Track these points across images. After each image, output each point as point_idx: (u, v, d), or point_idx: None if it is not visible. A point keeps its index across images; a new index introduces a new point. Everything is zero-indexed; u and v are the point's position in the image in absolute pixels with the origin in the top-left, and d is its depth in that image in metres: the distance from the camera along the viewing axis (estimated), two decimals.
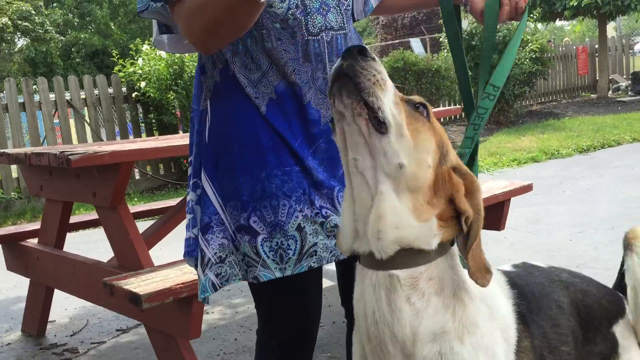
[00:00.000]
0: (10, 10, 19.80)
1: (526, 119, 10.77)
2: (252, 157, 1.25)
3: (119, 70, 7.38)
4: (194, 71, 6.67)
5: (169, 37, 1.35)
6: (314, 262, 1.26)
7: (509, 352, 1.00)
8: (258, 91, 1.27)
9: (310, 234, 1.25)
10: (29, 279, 2.96)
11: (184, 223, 2.97)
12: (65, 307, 3.31)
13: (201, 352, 2.55)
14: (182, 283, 1.81)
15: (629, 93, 12.65)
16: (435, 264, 0.94)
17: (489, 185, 3.10)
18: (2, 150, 2.47)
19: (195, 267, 1.32)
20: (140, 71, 7.04)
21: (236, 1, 1.08)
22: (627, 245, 1.31)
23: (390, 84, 0.92)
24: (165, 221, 2.75)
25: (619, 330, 1.25)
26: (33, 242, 2.87)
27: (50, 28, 21.56)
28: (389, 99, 0.90)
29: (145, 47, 7.47)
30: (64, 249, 2.77)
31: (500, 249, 3.70)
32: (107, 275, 2.20)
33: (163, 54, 6.92)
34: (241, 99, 1.28)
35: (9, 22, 19.27)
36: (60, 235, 2.69)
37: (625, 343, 1.25)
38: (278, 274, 1.24)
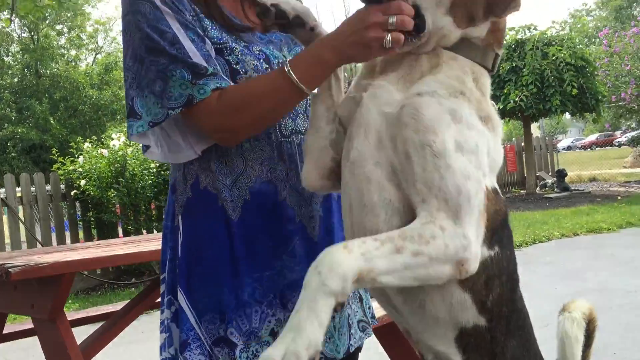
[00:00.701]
0: None
1: None
2: (225, 269, 1.27)
3: (58, 168, 7.30)
4: (135, 169, 6.70)
5: (164, 147, 1.31)
6: None
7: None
8: (233, 194, 1.29)
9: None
10: None
11: (126, 330, 2.89)
12: None
13: None
14: None
15: (555, 189, 13.35)
16: None
17: None
18: None
19: None
20: (80, 169, 6.98)
21: (289, 94, 1.15)
22: (562, 310, 1.40)
23: None
24: (107, 329, 2.68)
25: None
26: None
27: None
28: None
29: (87, 145, 7.46)
30: None
31: None
32: None
33: (105, 152, 6.92)
34: (213, 212, 1.30)
35: None
36: None
37: None
38: None
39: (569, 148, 40.65)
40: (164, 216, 1.41)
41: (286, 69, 1.14)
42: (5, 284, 2.09)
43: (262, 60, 1.29)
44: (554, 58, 11.87)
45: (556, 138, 45.82)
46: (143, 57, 1.21)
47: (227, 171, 1.29)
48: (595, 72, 12.67)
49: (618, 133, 37.69)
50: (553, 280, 5.59)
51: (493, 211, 1.10)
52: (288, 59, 1.18)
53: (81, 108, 27.02)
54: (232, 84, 1.22)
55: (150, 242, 2.63)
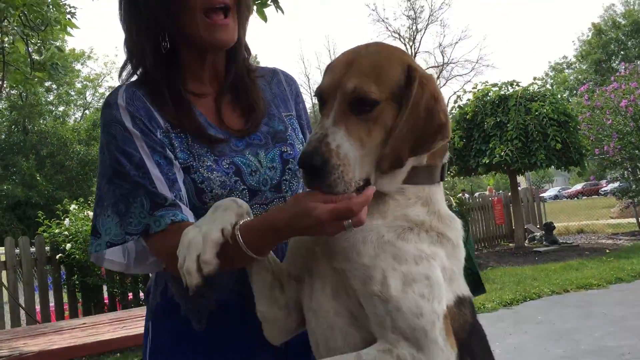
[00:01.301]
0: None
1: None
2: None
3: (44, 231, 7.22)
4: None
5: (131, 254, 1.28)
6: None
7: None
8: (199, 304, 1.29)
9: None
10: None
11: None
12: None
13: None
14: None
15: (544, 243, 13.37)
16: None
17: None
18: None
19: None
20: (66, 232, 6.91)
21: (237, 255, 1.11)
22: None
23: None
24: None
25: None
26: None
27: None
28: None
29: (73, 207, 7.42)
30: None
31: None
32: None
33: (91, 214, 6.86)
34: (179, 320, 1.30)
35: None
36: None
37: None
38: None
39: (556, 197, 41.01)
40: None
41: (237, 234, 1.10)
42: None
43: (231, 174, 1.30)
44: (537, 113, 12.09)
45: (542, 188, 46.31)
46: (111, 178, 1.24)
47: None
48: (578, 127, 12.89)
49: (604, 182, 38.16)
50: (544, 341, 5.54)
51: (458, 327, 1.12)
52: (241, 223, 1.12)
53: (68, 164, 27.03)
54: (188, 217, 1.22)
55: (136, 322, 2.58)
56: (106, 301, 7.24)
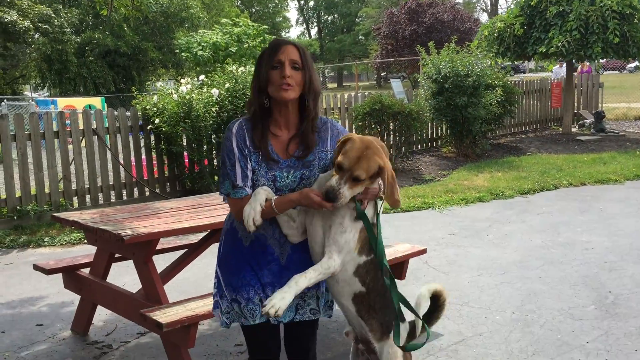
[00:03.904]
0: (32, 13, 21.16)
1: (492, 152, 12.13)
2: (236, 268, 2.58)
3: (137, 103, 8.77)
4: (200, 111, 8.05)
5: None
6: (270, 319, 2.54)
7: None
8: (246, 234, 2.56)
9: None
10: (79, 296, 4.35)
11: (200, 257, 4.30)
12: (99, 313, 4.67)
13: (193, 353, 3.92)
14: (186, 316, 3.19)
15: (591, 131, 13.98)
16: None
17: (394, 249, 4.44)
18: (73, 219, 3.83)
19: (220, 314, 2.61)
20: (155, 108, 8.41)
21: (271, 211, 2.40)
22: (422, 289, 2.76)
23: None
24: (182, 261, 4.14)
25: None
26: (85, 271, 4.25)
27: (68, 30, 22.91)
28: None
29: (160, 84, 8.83)
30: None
31: (413, 283, 5.06)
32: (137, 303, 3.60)
33: (175, 96, 8.29)
34: (236, 239, 2.60)
35: (31, 25, 20.65)
36: (106, 270, 4.08)
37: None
38: (250, 322, 2.57)
39: (636, 68, 39.41)
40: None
41: (272, 204, 2.38)
42: (119, 241, 3.51)
43: (269, 180, 2.49)
44: (601, 4, 12.21)
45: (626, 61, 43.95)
46: (222, 163, 2.50)
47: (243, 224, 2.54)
48: None
49: None
50: (533, 232, 6.72)
51: (364, 238, 2.42)
52: (274, 199, 2.39)
53: (152, 15, 28.36)
54: (249, 193, 2.43)
55: (206, 211, 3.99)
56: (187, 165, 8.89)
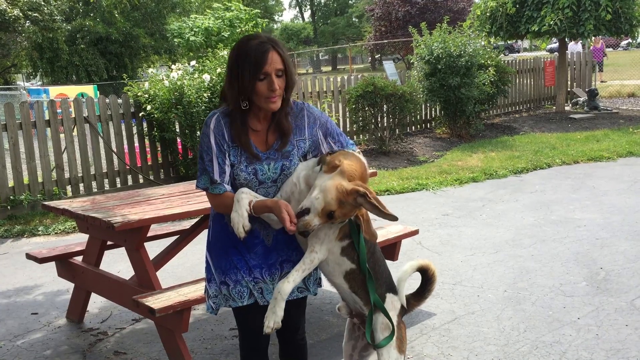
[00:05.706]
0: (22, 1, 20.97)
1: (486, 132, 12.14)
2: (225, 252, 2.60)
3: (128, 90, 8.73)
4: (192, 97, 8.02)
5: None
6: (258, 300, 2.58)
7: None
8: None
9: (253, 287, 2.61)
10: (73, 284, 4.36)
11: (196, 242, 4.31)
12: (94, 300, 4.69)
13: (188, 338, 3.95)
14: (179, 302, 3.21)
15: (585, 109, 13.98)
16: None
17: (387, 230, 4.46)
18: (63, 207, 3.83)
19: (207, 298, 2.65)
20: (146, 95, 8.38)
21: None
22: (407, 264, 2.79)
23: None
24: (175, 247, 4.15)
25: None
26: (78, 259, 4.26)
27: (58, 17, 22.72)
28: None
29: (151, 71, 8.79)
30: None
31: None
32: (130, 290, 3.61)
33: (167, 82, 8.25)
34: (225, 224, 2.62)
35: (20, 14, 20.48)
36: (99, 258, 4.08)
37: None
38: (239, 304, 2.59)
39: (629, 45, 39.26)
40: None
41: (250, 209, 2.38)
42: (110, 228, 3.51)
43: (251, 174, 2.50)
44: None
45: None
46: (200, 158, 2.49)
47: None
48: None
49: None
50: (526, 210, 6.75)
51: (344, 227, 2.45)
52: (252, 203, 2.38)
53: (142, 1, 28.13)
54: (227, 189, 2.45)
55: (202, 195, 4.00)
56: (180, 151, 8.88)
